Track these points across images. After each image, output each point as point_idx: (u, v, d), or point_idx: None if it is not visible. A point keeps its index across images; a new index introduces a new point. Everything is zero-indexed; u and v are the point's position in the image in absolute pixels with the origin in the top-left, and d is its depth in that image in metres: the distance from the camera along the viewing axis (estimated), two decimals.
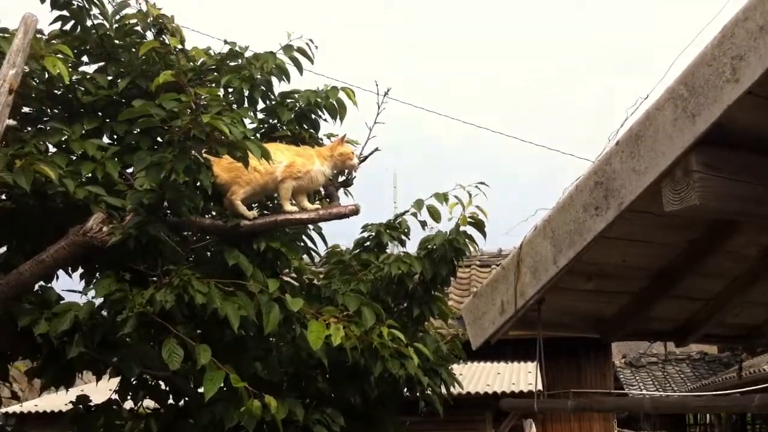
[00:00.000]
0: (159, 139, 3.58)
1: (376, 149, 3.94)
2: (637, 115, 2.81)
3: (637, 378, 17.59)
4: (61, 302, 3.24)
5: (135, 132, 3.65)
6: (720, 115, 2.17)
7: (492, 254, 13.89)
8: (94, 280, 3.26)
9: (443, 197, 4.35)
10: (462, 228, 4.22)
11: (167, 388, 3.96)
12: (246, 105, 3.80)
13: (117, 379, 3.79)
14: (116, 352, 3.28)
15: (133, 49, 3.67)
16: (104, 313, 3.25)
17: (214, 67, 3.88)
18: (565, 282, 2.99)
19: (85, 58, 4.02)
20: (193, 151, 2.98)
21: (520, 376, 10.25)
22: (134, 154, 3.42)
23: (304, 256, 4.03)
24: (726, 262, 3.21)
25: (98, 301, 3.23)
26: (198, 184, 3.31)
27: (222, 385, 3.09)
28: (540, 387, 3.27)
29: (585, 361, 12.74)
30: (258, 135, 3.86)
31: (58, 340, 3.09)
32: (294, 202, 3.67)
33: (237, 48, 3.92)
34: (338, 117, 3.99)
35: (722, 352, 18.74)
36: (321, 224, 4.16)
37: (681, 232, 2.96)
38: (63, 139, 3.59)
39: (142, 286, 3.18)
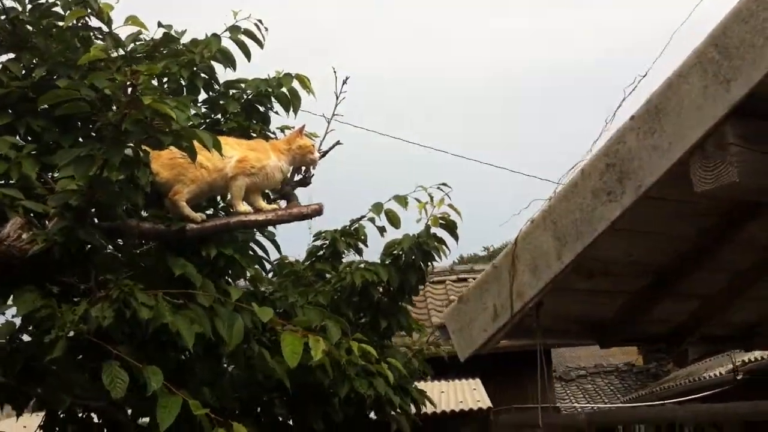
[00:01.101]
0: (81, 139, 3.19)
1: (338, 143, 3.63)
2: (639, 94, 2.59)
3: (568, 392, 17.78)
4: None
5: (55, 130, 3.24)
6: (759, 80, 1.96)
7: (444, 270, 13.64)
8: (12, 296, 2.82)
9: (404, 201, 4.09)
10: (432, 230, 3.93)
11: (101, 422, 3.53)
12: (185, 94, 3.42)
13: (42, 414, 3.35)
14: (41, 381, 2.85)
15: (53, 31, 3.25)
16: (25, 336, 2.82)
17: (144, 54, 3.49)
18: (563, 281, 2.73)
19: None
20: (130, 142, 2.59)
21: (466, 394, 10.05)
22: (54, 154, 3.02)
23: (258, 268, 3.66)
24: (733, 254, 3.02)
25: (19, 321, 2.81)
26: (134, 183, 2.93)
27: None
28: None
29: (526, 377, 12.60)
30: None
31: None
32: (247, 202, 3.32)
33: (173, 32, 3.54)
34: (291, 108, 3.64)
35: (648, 362, 19.23)
36: (273, 230, 3.82)
37: (692, 222, 2.76)
38: None
39: (71, 301, 2.78)
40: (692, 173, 2.11)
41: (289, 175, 3.53)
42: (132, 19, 2.87)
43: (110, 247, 3.01)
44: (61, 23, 3.34)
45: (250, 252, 3.55)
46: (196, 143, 2.81)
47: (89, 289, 2.79)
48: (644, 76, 2.74)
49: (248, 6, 3.48)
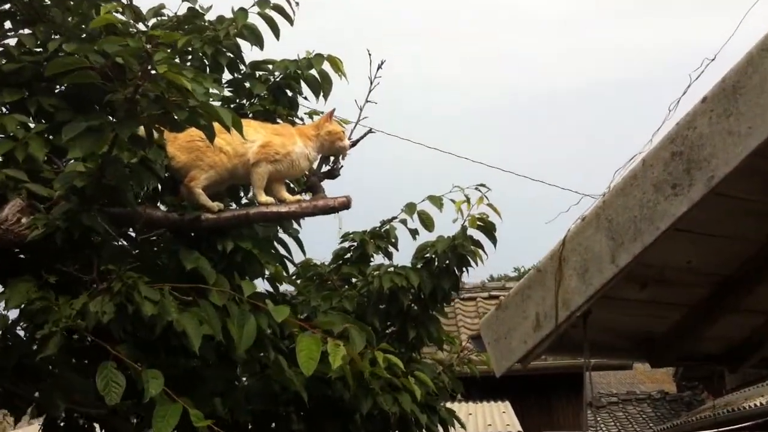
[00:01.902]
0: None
1: (370, 131, 3.42)
2: (708, 75, 2.35)
3: (598, 419, 17.47)
4: None
5: (68, 109, 3.06)
6: None
7: (476, 287, 13.40)
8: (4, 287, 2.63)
9: (438, 201, 3.87)
10: (469, 232, 3.69)
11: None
12: (209, 73, 3.23)
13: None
14: (36, 383, 2.66)
15: (70, 2, 3.08)
16: (20, 330, 2.64)
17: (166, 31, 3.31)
18: (614, 289, 2.48)
19: (8, 24, 3.42)
20: (144, 116, 2.40)
21: (495, 417, 9.81)
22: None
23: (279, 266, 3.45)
24: None
25: (14, 314, 2.62)
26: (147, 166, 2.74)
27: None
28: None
29: (556, 400, 12.29)
30: None
31: None
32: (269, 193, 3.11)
33: (198, 7, 3.36)
34: (321, 93, 3.44)
35: (683, 391, 18.89)
36: (298, 227, 3.61)
37: (764, 225, 2.49)
38: None
39: (71, 293, 2.58)
40: None
41: (316, 164, 3.32)
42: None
43: (117, 235, 2.80)
44: None
45: (272, 250, 3.34)
46: (216, 125, 2.63)
47: (91, 281, 2.59)
48: (713, 60, 2.49)
49: None
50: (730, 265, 2.70)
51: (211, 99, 3.17)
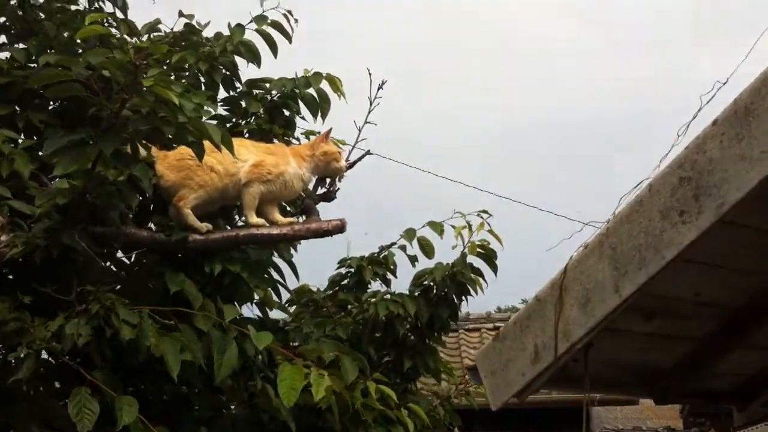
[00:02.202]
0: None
1: (368, 152, 3.31)
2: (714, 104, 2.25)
3: None
4: None
5: (58, 126, 2.97)
6: None
7: (480, 317, 13.22)
8: None
9: (439, 228, 3.76)
10: (468, 259, 3.57)
11: None
12: (204, 90, 3.14)
13: None
14: (9, 407, 2.54)
15: (58, 16, 3.00)
16: None
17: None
18: (617, 321, 2.36)
19: (3, 38, 3.35)
20: (128, 133, 2.30)
21: None
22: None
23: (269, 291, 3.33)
24: None
25: None
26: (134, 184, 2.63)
27: None
28: None
29: None
30: None
31: None
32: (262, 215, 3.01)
33: (195, 23, 3.28)
34: (320, 113, 3.34)
35: (689, 427, 18.65)
36: (293, 252, 3.50)
37: None
38: None
39: (50, 315, 2.46)
40: None
41: (311, 185, 3.22)
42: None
43: (100, 256, 2.69)
44: (72, 7, 3.10)
45: (263, 274, 3.22)
46: (207, 144, 2.54)
47: (69, 303, 2.48)
48: (725, 83, 2.39)
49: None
50: (741, 299, 2.58)
51: (204, 116, 3.09)
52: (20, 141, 3.00)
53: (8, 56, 3.20)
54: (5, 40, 3.38)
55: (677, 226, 2.00)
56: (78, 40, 3.10)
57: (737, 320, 2.64)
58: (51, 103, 3.21)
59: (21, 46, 3.27)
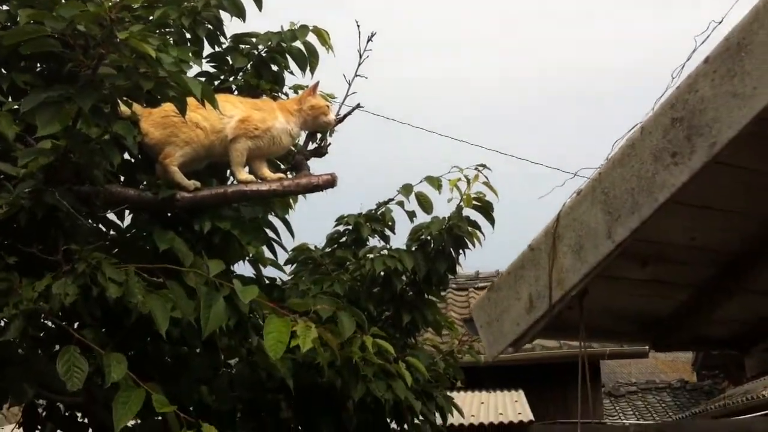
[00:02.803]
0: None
1: (358, 106, 3.24)
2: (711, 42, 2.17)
3: (617, 408, 17.31)
4: None
5: (41, 86, 2.91)
6: None
7: (469, 277, 13.17)
8: None
9: (437, 183, 3.71)
10: (465, 212, 3.53)
11: (86, 421, 3.19)
12: (189, 46, 3.07)
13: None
14: (3, 369, 2.52)
15: None
16: None
17: (145, 4, 3.16)
18: (612, 268, 2.32)
19: None
20: (106, 88, 2.24)
21: (507, 406, 9.67)
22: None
23: (264, 249, 3.29)
24: None
25: None
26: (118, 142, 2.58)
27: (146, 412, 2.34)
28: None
29: (572, 390, 12.08)
30: None
31: None
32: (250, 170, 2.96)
33: None
34: (308, 67, 3.27)
35: (703, 380, 18.80)
36: (289, 210, 3.45)
37: None
38: None
39: (37, 275, 2.43)
40: None
41: (299, 139, 3.16)
42: None
43: (88, 215, 2.65)
44: None
45: (257, 231, 3.18)
46: (192, 100, 2.48)
47: (56, 263, 2.44)
48: (720, 23, 2.31)
49: None
50: (737, 243, 2.53)
51: (190, 73, 3.02)
52: (6, 102, 2.95)
53: None
54: None
55: (669, 167, 1.96)
56: None
57: (734, 265, 2.60)
58: (38, 64, 3.16)
59: (4, 7, 3.21)
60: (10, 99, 3.03)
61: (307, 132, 3.21)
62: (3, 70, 3.05)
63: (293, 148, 3.25)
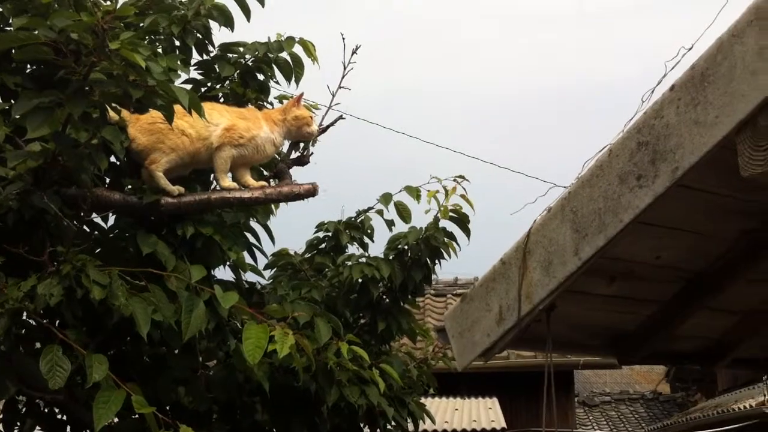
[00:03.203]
0: None
1: (341, 117, 3.33)
2: (685, 65, 2.26)
3: (591, 417, 17.44)
4: None
5: (31, 89, 2.97)
6: None
7: (448, 283, 13.27)
8: None
9: (416, 192, 3.78)
10: (441, 224, 3.61)
11: (64, 418, 3.25)
12: (178, 54, 3.14)
13: None
14: None
15: None
16: None
17: (136, 12, 3.22)
18: (580, 284, 2.42)
19: None
20: (96, 96, 2.31)
21: (480, 413, 9.75)
22: None
23: (245, 254, 3.36)
24: None
25: None
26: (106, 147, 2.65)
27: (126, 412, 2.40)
28: None
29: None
30: None
31: None
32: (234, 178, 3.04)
33: None
34: (293, 77, 3.35)
35: (675, 391, 19.00)
36: (270, 216, 3.53)
37: (735, 220, 2.42)
38: None
39: (22, 275, 2.49)
40: (739, 154, 1.83)
41: (283, 148, 3.24)
42: None
43: (72, 218, 2.71)
44: None
45: (238, 237, 3.25)
46: (178, 108, 2.55)
47: (42, 264, 2.50)
48: (690, 49, 2.41)
49: None
50: (701, 263, 2.63)
51: (177, 80, 3.09)
52: None
53: None
54: None
55: (635, 190, 2.04)
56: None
57: (698, 283, 2.69)
58: (28, 66, 3.21)
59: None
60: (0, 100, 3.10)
61: (290, 141, 3.29)
62: None
63: (277, 156, 3.32)
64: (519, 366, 10.64)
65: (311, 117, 3.17)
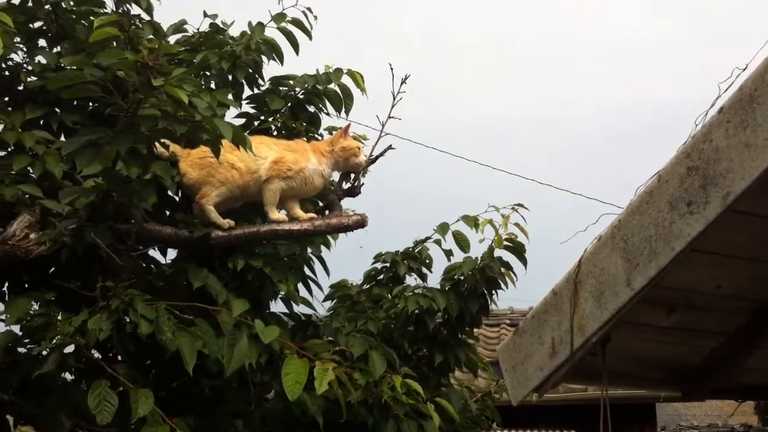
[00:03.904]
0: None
1: (390, 147, 3.32)
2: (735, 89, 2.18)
3: None
4: None
5: (89, 126, 3.07)
6: None
7: (502, 313, 13.00)
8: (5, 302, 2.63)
9: (473, 221, 3.73)
10: (496, 253, 3.56)
11: None
12: (230, 89, 3.21)
13: None
14: (41, 400, 2.64)
15: (91, 19, 3.10)
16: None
17: (189, 48, 3.31)
18: (637, 315, 2.34)
19: (42, 42, 3.47)
20: (143, 131, 2.37)
21: None
22: None
23: (300, 287, 3.37)
24: None
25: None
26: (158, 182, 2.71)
27: None
28: None
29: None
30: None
31: None
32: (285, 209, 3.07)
33: (219, 23, 3.35)
34: (343, 108, 3.38)
35: (765, 424, 18.16)
36: (322, 249, 3.54)
37: None
38: None
39: (76, 310, 2.56)
40: None
41: (331, 179, 3.25)
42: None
43: (124, 252, 2.78)
44: (102, 10, 3.20)
45: (290, 269, 3.27)
46: (228, 142, 2.59)
47: (93, 298, 2.57)
48: (744, 69, 2.33)
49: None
50: (766, 292, 2.52)
51: (229, 114, 3.15)
52: (55, 141, 3.11)
53: (40, 60, 3.32)
54: (44, 44, 3.50)
55: (685, 216, 1.98)
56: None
57: (765, 314, 2.58)
58: (90, 104, 3.33)
59: (57, 49, 3.39)
60: (63, 137, 3.21)
61: (339, 172, 3.31)
62: (57, 109, 3.23)
63: (331, 186, 3.34)
64: (597, 397, 10.33)
65: (359, 147, 3.18)
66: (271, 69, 3.43)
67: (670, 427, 18.19)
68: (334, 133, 3.31)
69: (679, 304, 2.47)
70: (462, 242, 3.86)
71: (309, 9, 3.26)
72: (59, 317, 2.53)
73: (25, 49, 3.35)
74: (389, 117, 3.33)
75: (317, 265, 3.63)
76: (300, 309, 3.52)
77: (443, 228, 3.84)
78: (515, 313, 12.94)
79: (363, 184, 3.31)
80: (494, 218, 3.70)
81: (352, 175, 3.34)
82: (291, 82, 3.40)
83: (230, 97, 3.13)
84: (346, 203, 3.28)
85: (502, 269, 3.56)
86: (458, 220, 3.81)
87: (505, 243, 3.55)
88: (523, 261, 3.58)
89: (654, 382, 2.94)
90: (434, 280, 4.02)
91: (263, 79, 3.39)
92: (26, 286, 2.85)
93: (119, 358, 2.88)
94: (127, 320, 2.47)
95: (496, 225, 3.60)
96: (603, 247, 2.25)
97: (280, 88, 3.41)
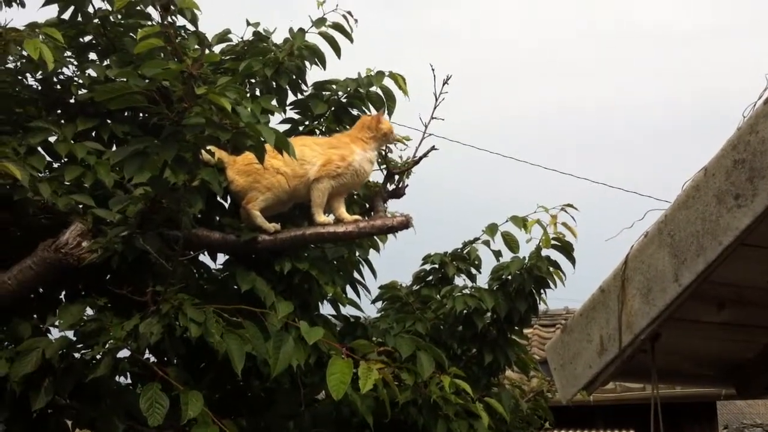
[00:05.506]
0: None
1: (433, 148, 3.32)
2: None
3: None
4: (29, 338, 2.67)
5: (139, 136, 3.13)
6: None
7: (557, 313, 12.83)
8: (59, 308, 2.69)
9: (521, 222, 3.70)
10: (544, 252, 3.53)
11: None
12: (273, 95, 3.24)
13: None
14: (96, 403, 2.70)
15: (134, 35, 3.16)
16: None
17: (232, 57, 3.35)
18: (687, 311, 2.28)
19: (92, 55, 3.55)
20: (188, 138, 2.40)
21: None
22: None
23: (348, 289, 3.39)
24: None
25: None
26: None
27: None
28: None
29: (688, 431, 11.57)
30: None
31: (21, 386, 2.52)
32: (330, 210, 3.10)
33: (262, 30, 3.38)
34: (386, 110, 3.38)
35: None
36: (372, 252, 3.56)
37: None
38: (51, 140, 3.08)
39: (128, 315, 2.61)
40: None
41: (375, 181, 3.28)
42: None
43: (175, 258, 2.82)
44: (149, 23, 3.25)
45: (337, 271, 3.29)
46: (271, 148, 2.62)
47: (144, 303, 2.61)
48: None
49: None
50: None
51: (273, 120, 3.19)
52: (105, 151, 3.17)
53: (89, 73, 3.40)
54: (95, 57, 3.58)
55: (733, 210, 1.94)
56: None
57: None
58: (139, 115, 3.39)
59: (106, 62, 3.47)
60: (114, 147, 3.28)
61: (385, 173, 3.32)
62: (108, 120, 3.30)
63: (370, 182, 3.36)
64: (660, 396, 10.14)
65: (391, 128, 3.23)
66: (314, 74, 3.46)
67: (732, 426, 17.77)
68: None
69: (730, 300, 2.41)
70: (511, 243, 3.83)
71: (349, 12, 3.28)
72: (111, 322, 2.58)
73: (75, 63, 3.44)
74: (432, 118, 3.34)
75: (365, 268, 3.65)
76: (349, 311, 3.56)
77: (491, 229, 3.82)
78: (570, 313, 12.77)
79: (407, 185, 3.32)
80: (544, 219, 3.67)
81: (396, 177, 3.35)
82: (333, 86, 3.43)
83: (274, 103, 3.16)
84: (393, 205, 3.30)
85: (551, 268, 3.53)
86: (507, 221, 3.79)
87: (553, 242, 3.51)
88: (572, 260, 3.54)
89: (707, 379, 2.87)
90: (484, 280, 4.02)
91: (306, 84, 3.43)
92: (83, 293, 2.92)
93: (174, 361, 2.94)
94: (178, 324, 2.50)
95: (544, 224, 3.57)
96: (650, 243, 2.21)
97: (323, 93, 3.44)
